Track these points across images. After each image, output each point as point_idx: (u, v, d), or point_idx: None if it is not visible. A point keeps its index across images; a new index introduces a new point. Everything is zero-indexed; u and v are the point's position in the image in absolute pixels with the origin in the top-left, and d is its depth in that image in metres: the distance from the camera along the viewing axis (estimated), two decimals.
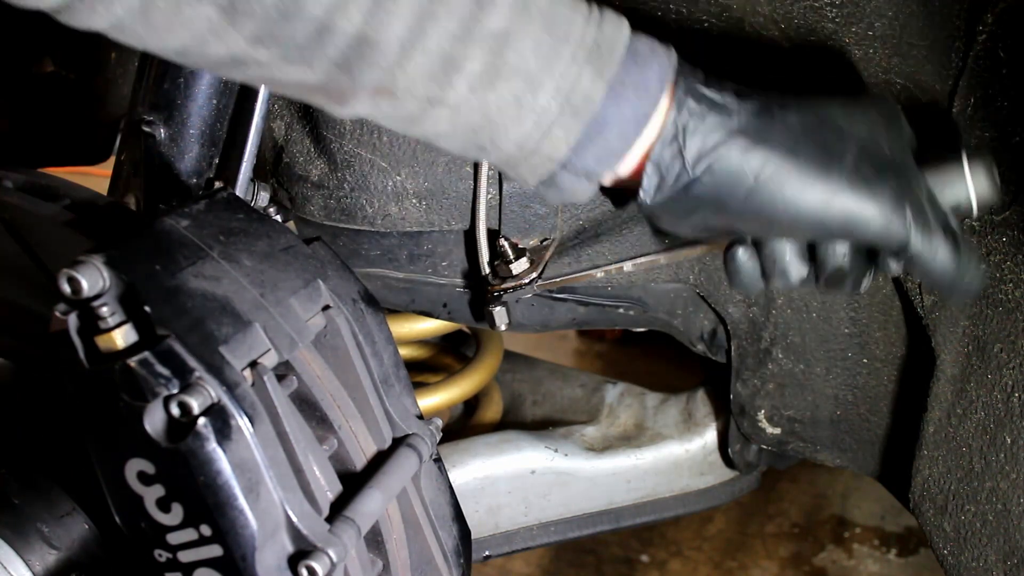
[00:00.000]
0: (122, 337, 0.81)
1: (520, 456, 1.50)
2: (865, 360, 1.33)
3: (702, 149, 0.82)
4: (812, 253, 0.90)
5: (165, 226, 0.88)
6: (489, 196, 1.29)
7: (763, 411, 1.43)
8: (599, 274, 1.24)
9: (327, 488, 0.89)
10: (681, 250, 0.99)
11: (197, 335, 0.81)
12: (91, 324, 0.81)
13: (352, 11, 0.72)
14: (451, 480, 1.07)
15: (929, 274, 0.88)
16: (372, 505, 0.90)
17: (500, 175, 1.29)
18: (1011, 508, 1.14)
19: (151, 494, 0.82)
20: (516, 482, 1.50)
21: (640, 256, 1.13)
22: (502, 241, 1.30)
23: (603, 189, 0.87)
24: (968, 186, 0.91)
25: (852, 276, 0.90)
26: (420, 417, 1.03)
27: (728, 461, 1.55)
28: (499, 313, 1.31)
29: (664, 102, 0.82)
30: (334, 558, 0.83)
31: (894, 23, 1.06)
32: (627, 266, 1.05)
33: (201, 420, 0.78)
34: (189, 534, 0.82)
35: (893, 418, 1.33)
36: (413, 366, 1.78)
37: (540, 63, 0.77)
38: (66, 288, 0.80)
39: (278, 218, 0.99)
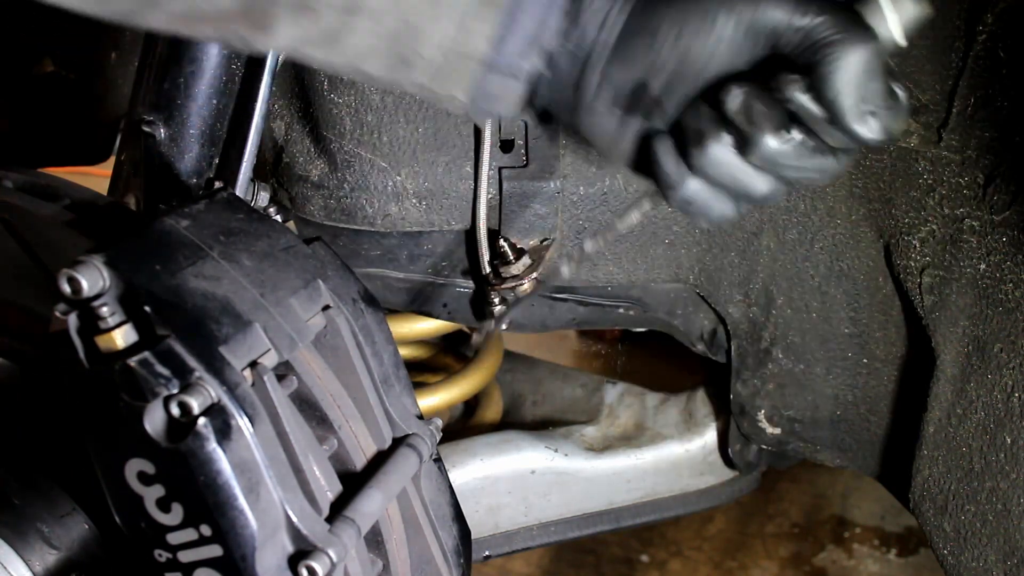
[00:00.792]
0: (122, 337, 0.81)
1: (520, 456, 1.50)
2: (865, 360, 1.33)
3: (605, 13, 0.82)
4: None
5: (165, 226, 0.88)
6: (489, 196, 1.29)
7: (763, 411, 1.43)
8: (564, 268, 1.20)
9: (327, 488, 0.89)
10: (632, 211, 0.96)
11: (197, 335, 0.81)
12: (91, 324, 0.81)
13: None
14: (451, 480, 1.07)
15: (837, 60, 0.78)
16: (372, 505, 0.90)
17: (500, 175, 1.29)
18: (1011, 508, 1.14)
19: (151, 494, 0.82)
20: (516, 482, 1.50)
21: (598, 234, 1.07)
22: (502, 241, 1.30)
23: (533, 109, 0.86)
24: (884, 11, 0.81)
25: (775, 119, 0.79)
26: (420, 417, 1.03)
27: (728, 461, 1.55)
28: (499, 313, 1.31)
29: None
30: (334, 558, 0.83)
31: None
32: (587, 245, 1.04)
33: (201, 420, 0.78)
34: (189, 534, 0.82)
35: (893, 418, 1.33)
36: (413, 366, 1.78)
37: None
38: (66, 288, 0.80)
39: (278, 218, 1.00)
